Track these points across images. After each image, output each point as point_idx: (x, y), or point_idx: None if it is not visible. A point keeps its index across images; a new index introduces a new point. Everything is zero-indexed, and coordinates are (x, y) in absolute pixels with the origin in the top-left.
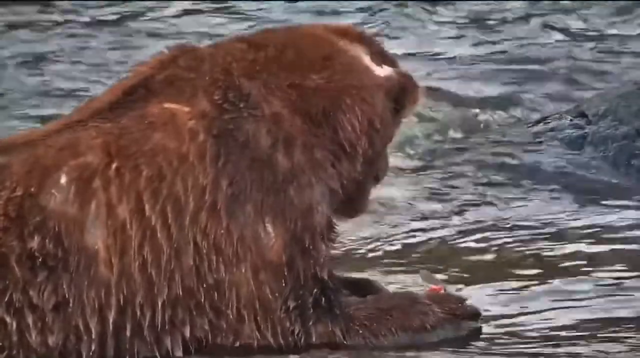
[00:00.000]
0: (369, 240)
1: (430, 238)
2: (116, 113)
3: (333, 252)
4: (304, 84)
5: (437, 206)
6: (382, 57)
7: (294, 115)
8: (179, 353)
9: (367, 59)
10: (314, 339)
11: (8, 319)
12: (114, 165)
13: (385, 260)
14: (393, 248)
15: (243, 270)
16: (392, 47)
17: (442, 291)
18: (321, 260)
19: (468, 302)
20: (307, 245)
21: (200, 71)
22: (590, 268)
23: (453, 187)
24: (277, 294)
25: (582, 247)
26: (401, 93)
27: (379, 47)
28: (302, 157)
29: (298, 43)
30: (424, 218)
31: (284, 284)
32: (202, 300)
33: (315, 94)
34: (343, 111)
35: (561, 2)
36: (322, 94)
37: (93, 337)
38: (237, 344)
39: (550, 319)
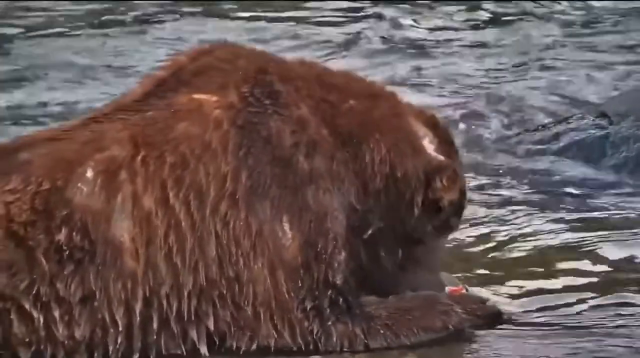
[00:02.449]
0: None
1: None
2: (145, 104)
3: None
4: (338, 103)
5: None
6: (445, 147)
7: (321, 125)
8: (204, 347)
9: (422, 132)
10: (334, 339)
11: (35, 313)
12: (140, 156)
13: None
14: None
15: (260, 266)
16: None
17: (463, 291)
18: (335, 265)
19: (489, 303)
20: (320, 249)
21: (235, 65)
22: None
23: (475, 188)
24: (293, 294)
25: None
26: (437, 172)
27: (447, 137)
28: (323, 165)
29: (353, 77)
30: None
31: (300, 285)
32: (225, 291)
33: (346, 115)
34: (368, 143)
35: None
36: (353, 117)
37: (120, 329)
38: (256, 342)
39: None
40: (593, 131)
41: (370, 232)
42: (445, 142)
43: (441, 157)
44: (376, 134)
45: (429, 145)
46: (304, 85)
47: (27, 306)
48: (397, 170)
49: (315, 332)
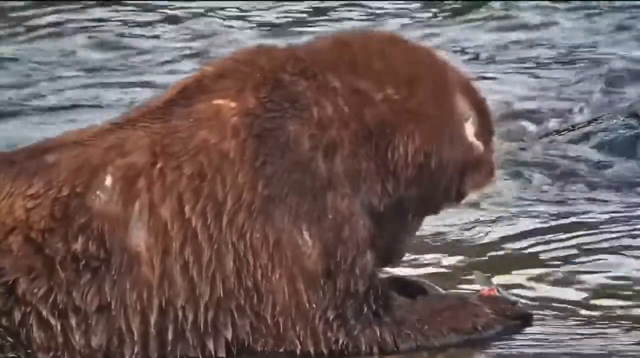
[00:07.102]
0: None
1: (483, 239)
2: (168, 111)
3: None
4: (371, 92)
5: (487, 207)
6: (485, 132)
7: (345, 123)
8: (222, 355)
9: (466, 115)
10: (363, 347)
11: (53, 320)
12: (158, 165)
13: (437, 260)
14: (445, 247)
15: (278, 276)
16: None
17: (495, 293)
18: (356, 273)
19: (519, 304)
20: (339, 257)
21: (255, 66)
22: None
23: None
24: (314, 305)
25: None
26: (474, 166)
27: (489, 121)
28: (343, 166)
29: (398, 56)
30: (477, 220)
31: (322, 294)
32: (243, 302)
33: (379, 106)
34: (402, 133)
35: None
36: (388, 107)
37: (136, 338)
38: (281, 350)
39: None
40: (623, 131)
41: (412, 214)
42: (486, 130)
43: (480, 148)
44: (411, 123)
45: (469, 131)
46: (331, 77)
47: (44, 313)
48: (431, 159)
49: (340, 342)
